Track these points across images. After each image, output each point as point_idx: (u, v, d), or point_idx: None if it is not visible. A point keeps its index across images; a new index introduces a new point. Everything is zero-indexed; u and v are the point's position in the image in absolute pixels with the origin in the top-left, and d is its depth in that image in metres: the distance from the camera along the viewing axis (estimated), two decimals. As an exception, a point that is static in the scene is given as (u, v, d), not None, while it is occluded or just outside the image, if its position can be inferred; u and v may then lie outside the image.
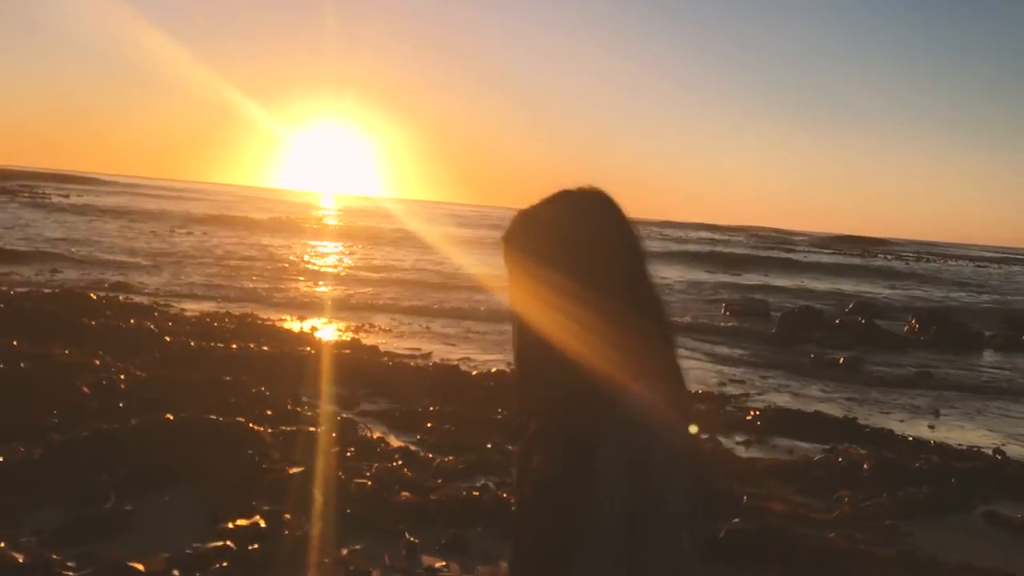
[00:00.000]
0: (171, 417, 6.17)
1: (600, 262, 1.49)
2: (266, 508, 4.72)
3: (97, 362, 9.04)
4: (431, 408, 8.60)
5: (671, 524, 1.39)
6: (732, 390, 11.78)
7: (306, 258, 28.39)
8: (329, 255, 30.23)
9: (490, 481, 6.12)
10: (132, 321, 11.84)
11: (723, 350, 15.72)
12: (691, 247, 52.63)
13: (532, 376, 1.55)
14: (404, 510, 5.17)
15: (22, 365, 8.02)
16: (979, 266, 69.39)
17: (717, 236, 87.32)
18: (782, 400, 11.44)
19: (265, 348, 10.77)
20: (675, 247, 49.78)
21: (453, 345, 13.68)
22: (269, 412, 7.47)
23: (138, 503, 4.95)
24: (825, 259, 54.59)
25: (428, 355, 12.29)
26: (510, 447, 6.85)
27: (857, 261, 55.66)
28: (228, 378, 8.57)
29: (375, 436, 7.27)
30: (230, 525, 4.45)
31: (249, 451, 5.65)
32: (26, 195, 53.65)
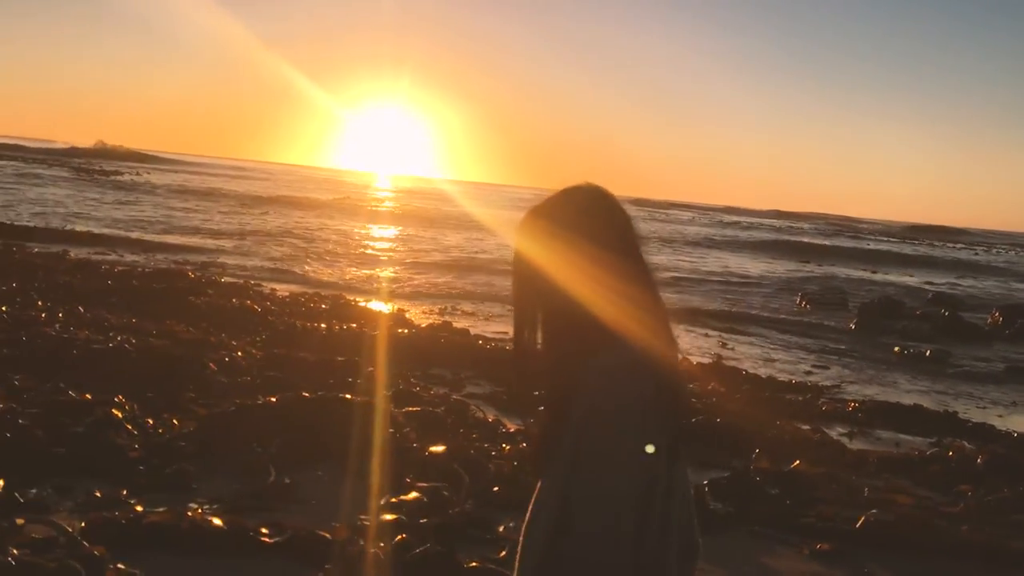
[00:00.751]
0: (308, 395, 6.45)
1: (607, 225, 1.87)
2: (422, 484, 4.95)
3: (213, 339, 9.41)
4: (535, 393, 8.78)
5: (615, 461, 1.75)
6: (823, 381, 11.79)
7: (379, 242, 28.82)
8: (401, 238, 30.58)
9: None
10: (234, 300, 12.24)
11: (806, 341, 15.68)
12: (757, 234, 52.14)
13: (531, 352, 1.91)
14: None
15: (151, 342, 8.38)
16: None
17: (782, 223, 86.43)
18: (872, 392, 11.42)
19: (364, 329, 11.06)
20: (743, 235, 49.36)
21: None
22: (389, 392, 7.73)
23: (296, 476, 5.22)
24: (894, 248, 53.68)
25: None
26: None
27: (927, 250, 54.62)
28: (340, 358, 8.85)
29: (490, 419, 7.46)
30: (394, 500, 4.68)
31: (390, 429, 5.89)
32: (99, 174, 55.06)
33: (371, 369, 8.80)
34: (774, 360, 13.32)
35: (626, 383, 1.76)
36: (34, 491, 4.66)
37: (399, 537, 4.07)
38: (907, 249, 54.14)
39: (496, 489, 5.18)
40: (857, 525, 5.00)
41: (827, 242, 51.99)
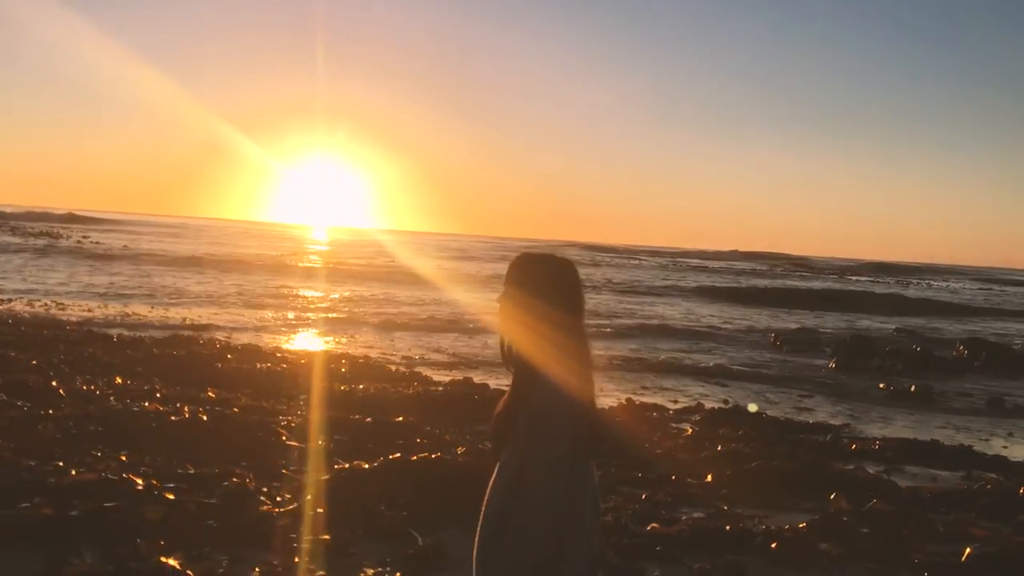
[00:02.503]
0: (414, 457, 6.73)
1: (556, 287, 2.72)
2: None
3: (266, 405, 9.60)
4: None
5: (550, 452, 2.60)
6: (829, 420, 12.38)
7: (359, 302, 28.91)
8: (378, 298, 30.70)
9: (698, 512, 6.70)
10: (259, 365, 12.39)
11: (796, 383, 16.30)
12: (720, 279, 53.34)
13: (509, 360, 2.76)
14: (660, 542, 5.72)
15: (220, 412, 8.54)
16: (982, 287, 70.38)
17: (745, 264, 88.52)
18: (877, 429, 12.05)
19: (398, 388, 11.33)
20: (706, 281, 50.44)
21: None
22: (460, 449, 8.03)
23: (436, 537, 5.51)
24: (849, 286, 55.45)
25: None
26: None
27: (885, 288, 56.52)
28: (399, 419, 9.11)
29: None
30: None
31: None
32: (45, 237, 54.03)
33: (428, 428, 9.12)
34: (776, 403, 13.89)
35: (556, 400, 2.60)
36: (206, 563, 4.86)
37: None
38: (863, 287, 55.94)
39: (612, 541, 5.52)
40: (963, 559, 5.47)
41: (781, 283, 53.47)
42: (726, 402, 13.32)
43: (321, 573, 4.81)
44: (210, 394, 10.04)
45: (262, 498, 5.98)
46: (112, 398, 9.17)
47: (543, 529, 2.60)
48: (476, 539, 2.75)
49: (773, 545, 5.60)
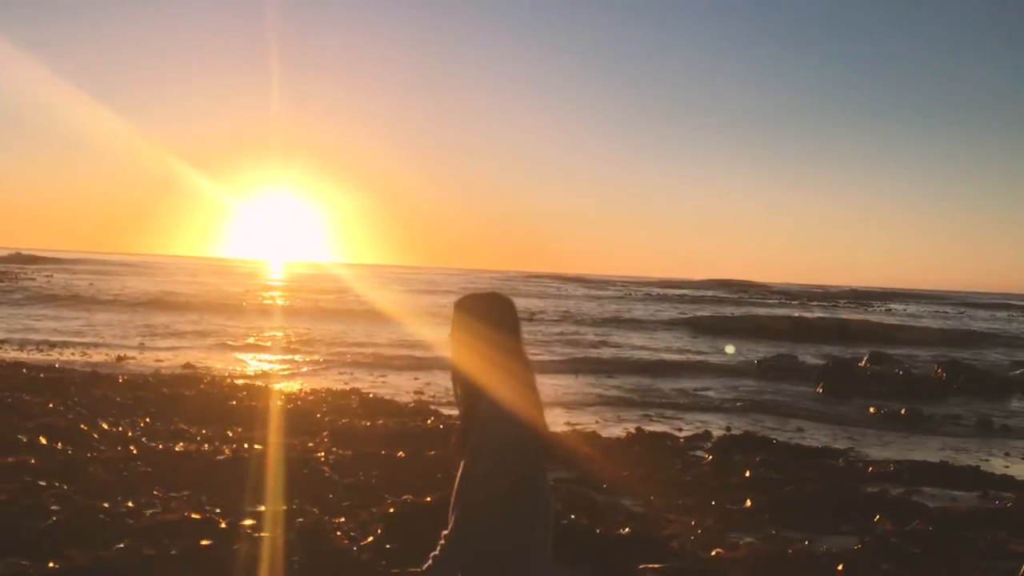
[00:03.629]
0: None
1: (499, 317, 3.05)
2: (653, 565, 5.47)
3: (296, 442, 9.67)
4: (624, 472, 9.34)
5: (498, 457, 2.82)
6: (833, 444, 12.71)
7: (342, 339, 28.86)
8: (356, 333, 30.67)
9: (748, 537, 6.92)
10: (273, 402, 12.41)
11: (788, 409, 16.62)
12: (692, 310, 53.94)
13: (459, 384, 3.06)
14: (729, 566, 5.93)
15: (260, 449, 8.60)
16: (936, 311, 72.05)
17: (688, 291, 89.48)
18: (878, 452, 12.39)
19: (413, 423, 11.43)
20: (684, 311, 50.95)
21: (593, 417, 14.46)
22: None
23: None
24: (823, 313, 56.39)
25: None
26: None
27: (856, 314, 57.53)
28: (431, 452, 9.24)
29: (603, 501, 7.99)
30: None
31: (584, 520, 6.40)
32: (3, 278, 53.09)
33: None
34: (775, 428, 14.21)
35: (501, 416, 2.85)
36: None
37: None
38: (840, 313, 56.94)
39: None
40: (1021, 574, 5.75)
41: (758, 312, 54.27)
42: (728, 429, 13.61)
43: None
44: (236, 432, 10.10)
45: (338, 533, 6.09)
46: (144, 438, 9.20)
47: (487, 535, 2.83)
48: (441, 540, 2.91)
49: (839, 567, 5.83)
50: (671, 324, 38.78)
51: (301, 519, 6.21)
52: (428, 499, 6.82)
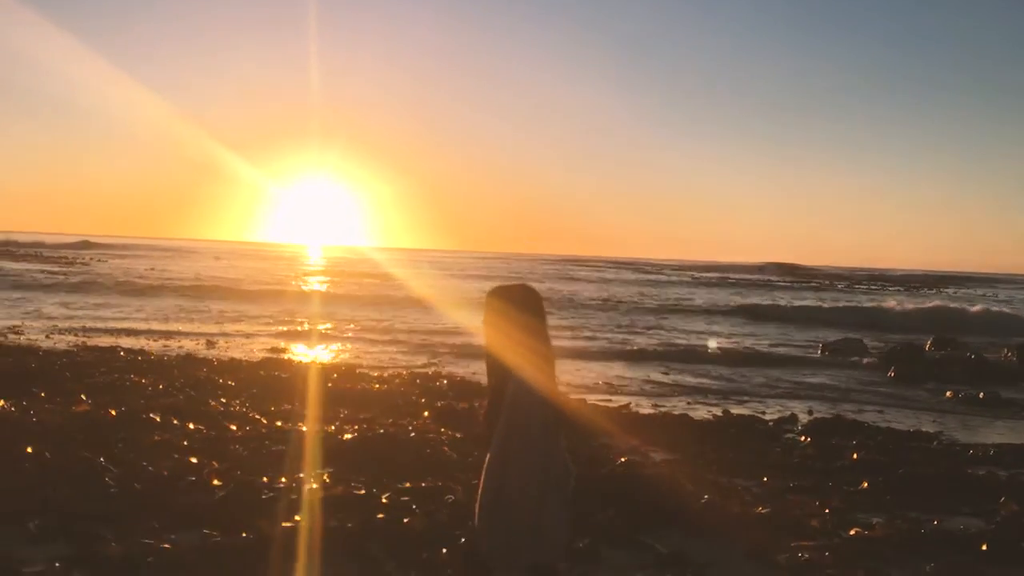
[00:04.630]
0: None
1: (528, 305, 3.52)
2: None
3: (402, 422, 9.95)
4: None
5: (527, 429, 3.35)
6: (922, 428, 12.73)
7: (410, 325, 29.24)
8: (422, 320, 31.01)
9: (876, 518, 7.06)
10: (362, 385, 12.71)
11: (864, 394, 16.58)
12: (728, 295, 53.70)
13: (490, 366, 3.56)
14: (871, 544, 6.08)
15: (381, 431, 8.88)
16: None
17: (740, 276, 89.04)
18: (967, 436, 12.40)
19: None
20: (717, 298, 50.75)
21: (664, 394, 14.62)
22: (622, 459, 8.39)
23: (669, 544, 5.87)
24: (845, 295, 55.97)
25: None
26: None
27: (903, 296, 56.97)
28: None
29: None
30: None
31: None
32: (77, 265, 54.26)
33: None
34: (858, 412, 14.24)
35: (526, 391, 3.30)
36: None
37: None
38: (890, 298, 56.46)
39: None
40: None
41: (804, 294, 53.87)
42: (810, 412, 13.69)
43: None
44: (345, 413, 10.39)
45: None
46: (262, 418, 9.52)
47: (528, 490, 3.29)
48: (477, 506, 3.37)
49: (983, 547, 5.96)
50: (727, 312, 38.64)
51: (450, 496, 6.46)
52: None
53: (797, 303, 44.15)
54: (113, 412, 8.80)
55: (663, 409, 13.15)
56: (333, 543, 5.21)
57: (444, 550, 5.22)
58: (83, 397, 9.92)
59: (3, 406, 8.82)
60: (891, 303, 41.13)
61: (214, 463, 7.07)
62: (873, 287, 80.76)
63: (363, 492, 6.23)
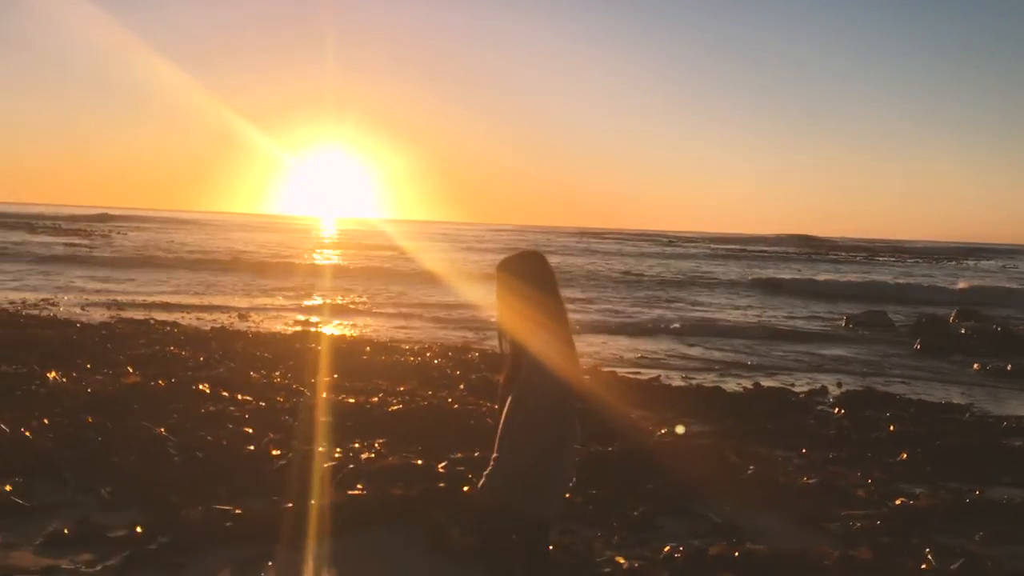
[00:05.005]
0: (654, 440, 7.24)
1: (538, 276, 3.44)
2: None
3: (442, 393, 10.11)
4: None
5: (543, 401, 3.28)
6: (952, 400, 12.79)
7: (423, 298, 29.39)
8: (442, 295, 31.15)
9: (919, 488, 7.16)
10: (398, 358, 12.88)
11: (890, 367, 16.64)
12: (747, 269, 53.59)
13: (504, 341, 3.50)
14: (919, 514, 6.20)
15: (424, 403, 9.03)
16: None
17: (757, 248, 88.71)
18: (998, 408, 12.45)
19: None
20: (736, 271, 50.68)
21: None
22: (663, 430, 8.54)
23: (720, 513, 6.01)
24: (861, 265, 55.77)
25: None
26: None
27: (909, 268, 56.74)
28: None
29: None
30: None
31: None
32: (97, 238, 54.65)
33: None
34: (886, 385, 14.32)
35: (541, 374, 3.26)
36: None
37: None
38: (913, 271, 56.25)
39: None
40: None
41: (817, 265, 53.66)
42: (839, 385, 13.78)
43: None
44: (383, 384, 10.55)
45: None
46: (305, 389, 9.70)
47: (557, 439, 3.30)
48: (506, 446, 3.34)
49: (1030, 515, 6.07)
50: (747, 285, 38.60)
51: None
52: (610, 448, 7.20)
53: (819, 276, 44.14)
54: (162, 383, 9.00)
55: (694, 382, 13.27)
56: (399, 511, 5.37)
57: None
58: (130, 369, 10.12)
59: (55, 377, 9.03)
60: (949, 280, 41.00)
61: (270, 434, 7.25)
62: (892, 259, 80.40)
63: (420, 462, 6.39)
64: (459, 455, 6.90)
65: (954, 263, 77.96)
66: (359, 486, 5.80)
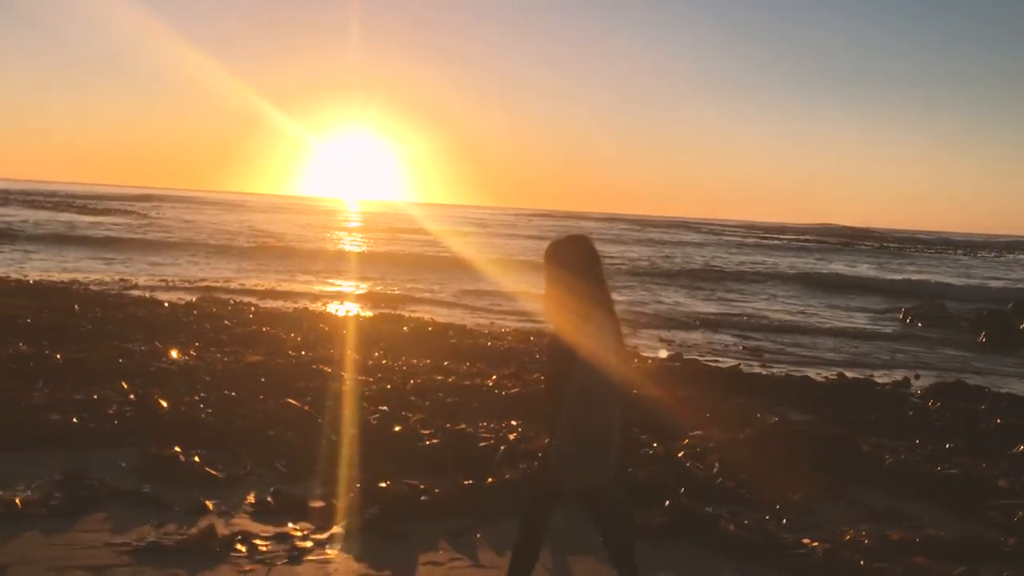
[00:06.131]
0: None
1: (585, 264, 3.51)
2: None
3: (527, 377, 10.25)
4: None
5: (603, 386, 3.41)
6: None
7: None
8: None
9: None
10: (471, 342, 12.99)
11: (958, 363, 16.43)
12: (786, 261, 53.29)
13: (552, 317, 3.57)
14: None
15: (542, 387, 9.19)
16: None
17: (794, 238, 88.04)
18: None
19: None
20: (776, 263, 50.46)
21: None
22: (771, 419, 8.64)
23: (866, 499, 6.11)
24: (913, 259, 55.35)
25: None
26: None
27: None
28: (682, 393, 9.74)
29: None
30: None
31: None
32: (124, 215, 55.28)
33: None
34: (961, 377, 14.29)
35: (587, 358, 3.33)
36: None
37: None
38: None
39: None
40: None
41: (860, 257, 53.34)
42: (917, 376, 13.82)
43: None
44: (473, 368, 10.68)
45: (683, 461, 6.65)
46: (414, 370, 9.89)
47: (604, 424, 3.47)
48: (560, 431, 3.46)
49: None
50: (794, 279, 38.15)
51: (646, 450, 6.77)
52: (741, 436, 7.32)
53: (868, 272, 44.01)
54: (282, 362, 9.21)
55: (772, 370, 13.35)
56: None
57: (667, 502, 5.52)
58: (240, 349, 10.34)
59: (179, 357, 9.27)
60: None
61: (407, 414, 7.43)
62: (937, 251, 79.69)
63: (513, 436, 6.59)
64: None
65: (997, 254, 77.18)
66: (522, 466, 5.97)
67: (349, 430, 6.76)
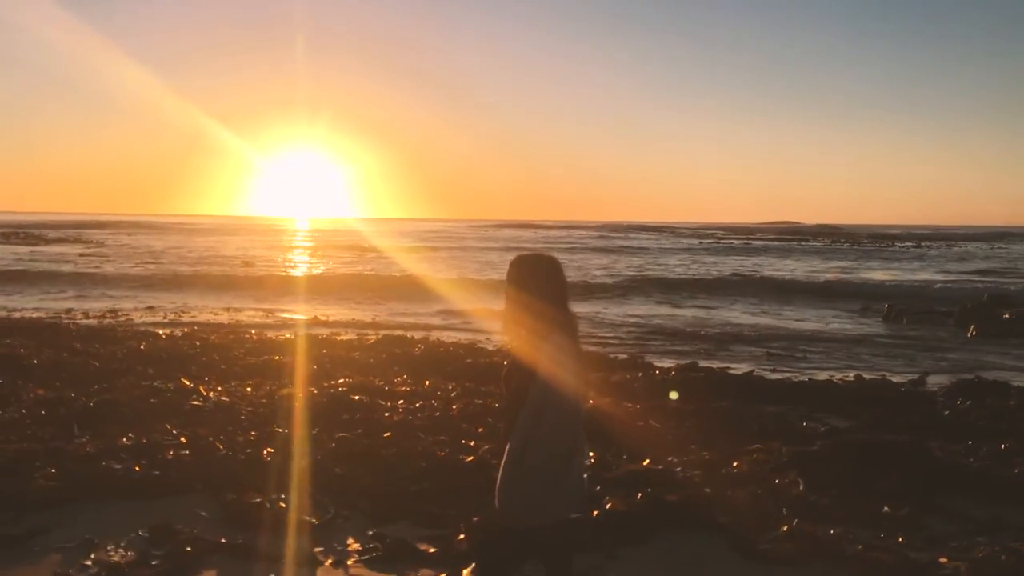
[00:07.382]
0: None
1: (544, 285, 3.26)
2: None
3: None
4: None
5: (558, 408, 3.08)
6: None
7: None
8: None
9: None
10: (484, 360, 12.73)
11: (948, 356, 16.47)
12: (750, 262, 53.56)
13: (511, 336, 3.31)
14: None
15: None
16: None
17: (748, 239, 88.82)
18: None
19: (633, 376, 11.80)
20: (741, 266, 50.43)
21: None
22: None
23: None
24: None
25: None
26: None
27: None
28: (721, 404, 9.60)
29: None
30: None
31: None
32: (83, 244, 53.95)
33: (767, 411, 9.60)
34: (965, 374, 14.36)
35: (550, 398, 3.06)
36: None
37: None
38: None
39: None
40: None
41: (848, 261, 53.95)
42: (926, 374, 13.84)
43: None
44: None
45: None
46: (445, 395, 9.62)
47: (559, 447, 3.12)
48: (505, 455, 3.19)
49: None
50: (756, 285, 38.07)
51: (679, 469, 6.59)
52: (814, 447, 7.17)
53: (815, 270, 44.43)
54: (316, 392, 8.89)
55: (785, 374, 13.28)
56: (679, 516, 5.36)
57: (784, 527, 5.33)
58: (262, 380, 9.98)
59: (207, 392, 8.88)
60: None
61: (469, 442, 7.18)
62: (884, 244, 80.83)
63: (661, 467, 6.36)
64: (684, 458, 6.88)
65: (940, 244, 78.57)
66: (621, 493, 5.75)
67: (418, 463, 6.48)
